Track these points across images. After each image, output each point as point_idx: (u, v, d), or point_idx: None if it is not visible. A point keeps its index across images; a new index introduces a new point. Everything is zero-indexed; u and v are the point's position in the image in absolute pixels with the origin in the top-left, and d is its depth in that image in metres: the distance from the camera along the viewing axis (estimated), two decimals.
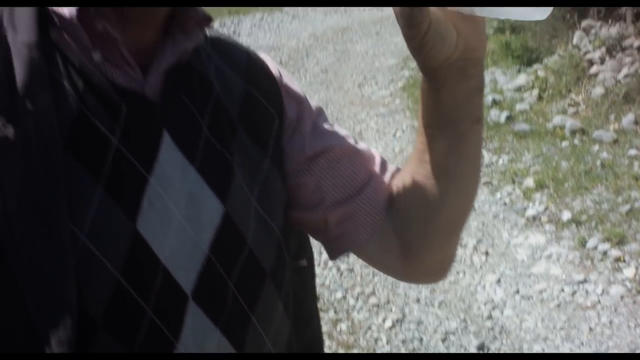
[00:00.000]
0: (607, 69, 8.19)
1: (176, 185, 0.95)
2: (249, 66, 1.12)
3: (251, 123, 1.07)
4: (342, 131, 1.18)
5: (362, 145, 1.18)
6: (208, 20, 1.03)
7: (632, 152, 6.34)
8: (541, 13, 0.88)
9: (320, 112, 1.18)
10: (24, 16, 0.88)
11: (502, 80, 9.09)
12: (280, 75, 1.16)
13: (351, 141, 1.17)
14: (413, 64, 11.16)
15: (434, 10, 0.87)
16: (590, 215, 5.40)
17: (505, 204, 5.84)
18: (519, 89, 8.63)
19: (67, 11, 0.89)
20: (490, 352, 4.04)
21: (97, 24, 0.90)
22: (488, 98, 8.27)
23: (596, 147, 6.61)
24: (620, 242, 4.97)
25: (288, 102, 1.14)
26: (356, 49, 12.84)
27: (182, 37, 0.99)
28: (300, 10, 17.95)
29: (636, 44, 8.44)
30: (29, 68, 0.85)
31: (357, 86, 10.15)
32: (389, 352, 4.11)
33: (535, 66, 9.23)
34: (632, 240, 4.98)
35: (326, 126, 1.17)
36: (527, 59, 9.60)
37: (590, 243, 5.03)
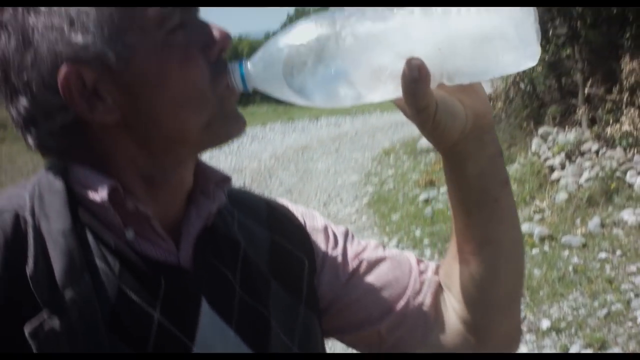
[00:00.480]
0: (569, 174, 8.34)
1: (218, 349, 0.96)
2: (269, 214, 1.15)
3: (282, 273, 1.09)
4: (371, 243, 1.20)
5: (392, 251, 1.20)
6: (227, 180, 1.05)
7: (602, 255, 6.39)
8: (531, 59, 0.89)
9: (346, 235, 1.20)
10: (55, 204, 0.90)
11: None
12: (303, 216, 1.19)
13: (380, 251, 1.18)
14: (375, 179, 11.39)
15: (436, 90, 0.89)
16: (569, 321, 5.37)
17: None
18: None
19: (97, 196, 0.91)
20: None
21: (127, 203, 0.92)
22: None
23: (566, 253, 6.64)
24: (602, 346, 4.93)
25: (315, 241, 1.16)
26: (318, 168, 12.98)
27: (204, 200, 1.02)
28: (259, 131, 18.22)
29: (594, 147, 8.66)
30: (66, 256, 0.86)
31: (322, 205, 10.19)
32: None
33: None
34: (614, 344, 4.95)
35: (355, 246, 1.18)
36: None
37: (573, 350, 4.97)
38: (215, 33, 0.96)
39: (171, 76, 0.92)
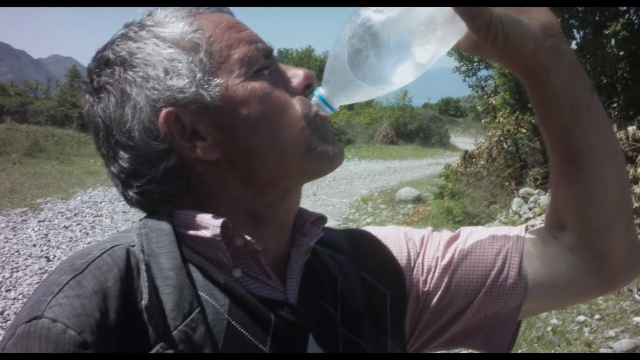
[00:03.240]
0: None
1: None
2: (352, 249, 1.19)
3: (371, 307, 1.13)
4: (448, 235, 1.23)
5: (471, 233, 1.23)
6: (323, 219, 1.10)
7: (581, 318, 6.42)
8: None
9: (429, 236, 1.23)
10: (164, 243, 0.93)
11: None
12: (386, 239, 1.22)
13: (459, 242, 1.21)
14: (353, 226, 11.37)
15: (496, 10, 0.94)
16: None
17: None
18: None
19: (208, 233, 0.95)
20: None
21: (236, 240, 0.96)
22: None
23: (545, 313, 6.65)
24: None
25: (402, 260, 1.19)
26: None
27: (301, 238, 1.06)
28: None
29: None
30: (177, 290, 0.89)
31: None
32: None
33: None
34: None
35: (434, 244, 1.21)
36: (468, 224, 9.81)
37: None
38: (299, 72, 1.05)
39: (263, 111, 0.98)
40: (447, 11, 0.93)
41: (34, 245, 9.59)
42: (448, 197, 11.46)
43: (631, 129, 8.53)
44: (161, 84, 0.96)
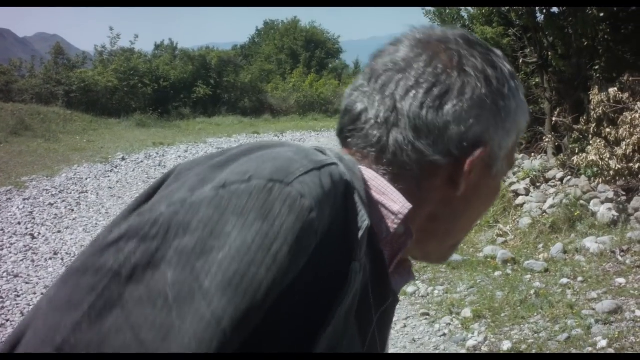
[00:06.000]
0: (533, 200, 8.43)
1: None
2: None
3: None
4: None
5: None
6: (411, 272, 1.10)
7: (564, 280, 6.46)
8: None
9: None
10: (359, 184, 0.91)
11: None
12: None
13: None
14: None
15: None
16: (529, 344, 5.41)
17: (444, 334, 5.81)
18: None
19: (396, 206, 0.95)
20: None
21: (400, 227, 0.96)
22: None
23: (528, 277, 6.71)
24: None
25: None
26: None
27: (398, 278, 1.06)
28: (224, 141, 18.13)
29: (559, 175, 8.76)
30: (364, 232, 0.86)
31: None
32: None
33: None
34: None
35: None
36: None
37: None
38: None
39: (484, 207, 1.06)
40: None
41: (19, 223, 9.58)
42: None
43: (612, 90, 8.51)
44: (507, 125, 1.00)
